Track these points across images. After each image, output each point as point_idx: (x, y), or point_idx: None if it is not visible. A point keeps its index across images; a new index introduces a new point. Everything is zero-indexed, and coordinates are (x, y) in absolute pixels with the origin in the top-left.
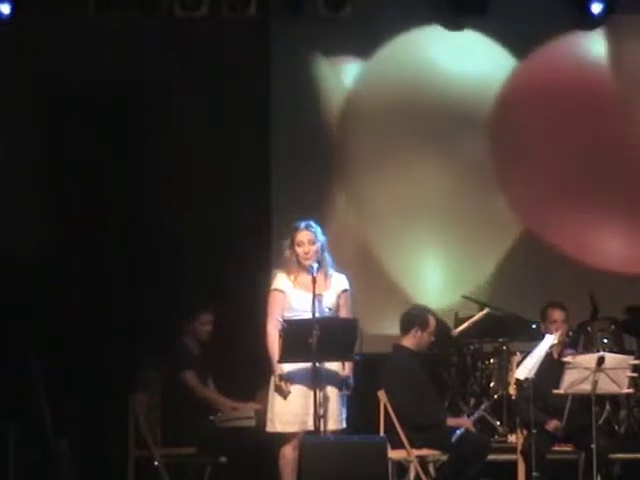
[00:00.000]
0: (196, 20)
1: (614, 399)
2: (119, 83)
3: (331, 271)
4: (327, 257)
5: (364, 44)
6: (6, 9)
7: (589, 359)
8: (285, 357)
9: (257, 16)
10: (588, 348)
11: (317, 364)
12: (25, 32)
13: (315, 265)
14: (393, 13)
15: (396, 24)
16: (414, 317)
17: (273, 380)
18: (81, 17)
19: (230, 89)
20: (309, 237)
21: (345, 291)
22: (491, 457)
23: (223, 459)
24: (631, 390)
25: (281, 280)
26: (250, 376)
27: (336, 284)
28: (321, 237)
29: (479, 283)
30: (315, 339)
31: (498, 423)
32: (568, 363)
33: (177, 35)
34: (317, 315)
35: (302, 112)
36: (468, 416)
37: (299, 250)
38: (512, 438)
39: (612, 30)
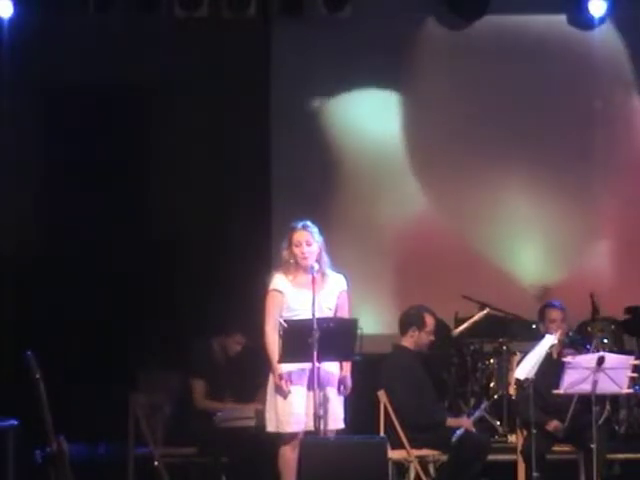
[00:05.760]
0: (196, 20)
1: (614, 399)
2: (119, 83)
3: (329, 271)
4: (325, 257)
5: (364, 44)
6: (7, 9)
7: (589, 359)
8: (285, 357)
9: (257, 16)
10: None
11: (317, 364)
12: (25, 32)
13: (315, 265)
14: (393, 13)
15: (396, 24)
16: (411, 317)
17: (272, 380)
18: (81, 17)
19: (230, 89)
20: (306, 238)
21: (344, 291)
22: (491, 457)
23: (223, 459)
24: (631, 390)
25: (279, 280)
26: (250, 376)
27: (335, 284)
28: (319, 237)
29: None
30: (315, 339)
31: (498, 423)
32: (568, 363)
33: (177, 35)
34: (317, 315)
35: (302, 112)
36: (468, 416)
37: (296, 251)
38: (512, 438)
39: None
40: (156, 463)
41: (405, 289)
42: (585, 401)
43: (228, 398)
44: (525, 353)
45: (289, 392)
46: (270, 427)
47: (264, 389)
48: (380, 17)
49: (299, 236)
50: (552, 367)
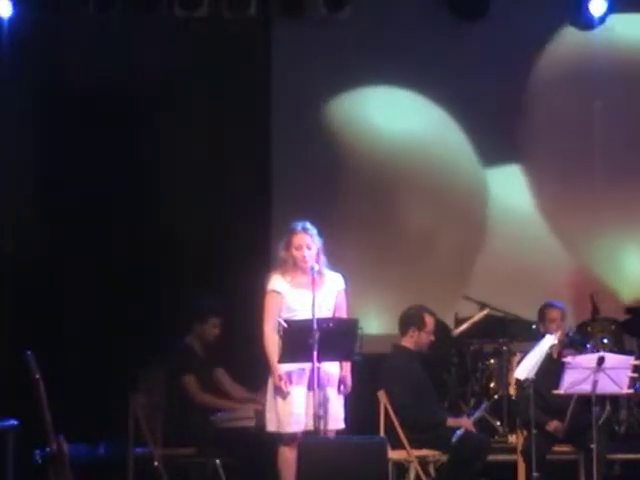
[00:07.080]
0: (196, 20)
1: (614, 399)
2: (119, 83)
3: (326, 270)
4: (322, 257)
5: (364, 44)
6: (6, 9)
7: (589, 359)
8: (285, 358)
9: (257, 16)
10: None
11: (317, 364)
12: (25, 32)
13: (315, 266)
14: (393, 13)
15: (396, 24)
16: (410, 317)
17: (272, 381)
18: (81, 17)
19: (230, 89)
20: (307, 241)
21: (342, 290)
22: (491, 457)
23: (223, 459)
24: (631, 390)
25: (277, 281)
26: (250, 376)
27: (333, 284)
28: (318, 240)
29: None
30: (315, 339)
31: (498, 423)
32: (568, 363)
33: (177, 35)
34: (316, 315)
35: (302, 111)
36: (468, 416)
37: (297, 254)
38: (512, 438)
39: None
40: (156, 463)
41: (405, 289)
42: (585, 401)
43: (224, 375)
44: (525, 353)
45: (288, 393)
46: (271, 427)
47: (264, 389)
48: (380, 17)
49: (299, 239)
50: (552, 367)
